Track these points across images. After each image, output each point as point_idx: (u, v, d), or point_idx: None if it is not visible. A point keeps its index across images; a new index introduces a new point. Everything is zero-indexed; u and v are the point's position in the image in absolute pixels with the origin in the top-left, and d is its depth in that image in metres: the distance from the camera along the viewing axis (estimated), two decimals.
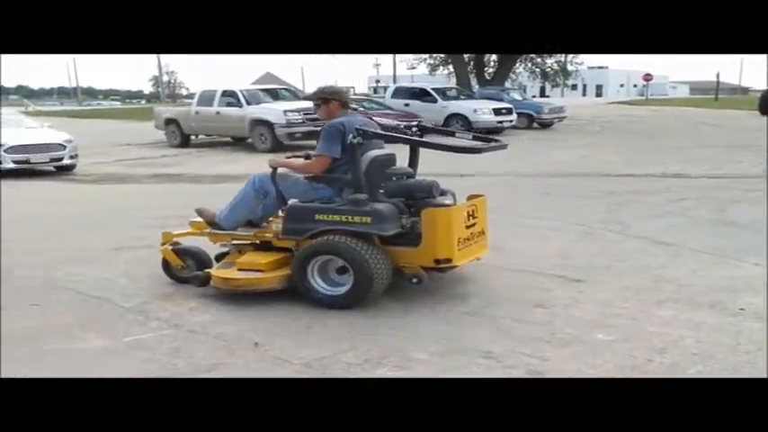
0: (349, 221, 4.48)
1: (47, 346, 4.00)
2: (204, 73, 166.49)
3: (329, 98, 4.95)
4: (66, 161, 13.51)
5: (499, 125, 20.51)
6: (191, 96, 33.59)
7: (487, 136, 5.65)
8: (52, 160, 13.35)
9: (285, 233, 4.75)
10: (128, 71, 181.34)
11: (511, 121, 20.97)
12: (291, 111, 16.53)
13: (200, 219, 5.25)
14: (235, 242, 5.11)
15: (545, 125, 23.02)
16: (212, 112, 17.93)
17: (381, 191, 4.72)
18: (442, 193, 4.79)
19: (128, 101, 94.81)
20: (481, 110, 20.41)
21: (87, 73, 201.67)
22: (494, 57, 30.33)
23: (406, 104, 21.28)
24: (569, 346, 3.85)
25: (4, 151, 12.75)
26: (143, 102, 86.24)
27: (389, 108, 20.59)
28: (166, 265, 5.26)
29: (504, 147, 4.98)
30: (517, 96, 24.35)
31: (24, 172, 12.95)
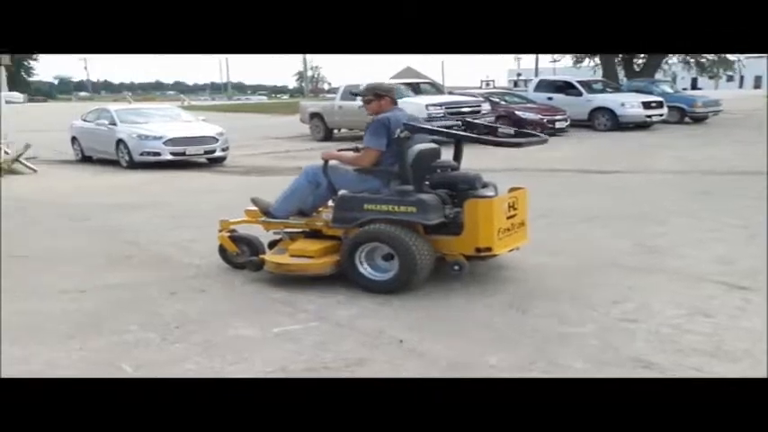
0: (395, 211, 4.74)
1: (207, 334, 4.15)
2: (346, 68, 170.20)
3: (383, 95, 5.15)
4: (217, 153, 14.17)
5: (648, 119, 19.54)
6: (332, 91, 34.41)
7: (530, 131, 5.83)
8: (206, 152, 14.05)
9: (335, 222, 5.02)
10: (274, 67, 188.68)
11: (661, 116, 19.90)
12: (433, 105, 16.50)
13: (254, 208, 5.56)
14: (287, 230, 5.38)
15: (698, 119, 21.65)
16: (355, 107, 18.13)
17: (426, 182, 4.94)
18: (485, 185, 4.99)
19: (273, 95, 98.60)
20: (629, 103, 19.47)
21: (237, 69, 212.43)
22: None
23: (550, 98, 20.69)
24: (739, 361, 3.54)
25: (164, 143, 13.55)
26: (286, 96, 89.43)
27: (532, 102, 20.14)
28: (223, 250, 5.61)
29: (545, 141, 5.22)
30: (668, 89, 23.02)
31: (180, 163, 13.71)
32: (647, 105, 19.60)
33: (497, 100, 19.56)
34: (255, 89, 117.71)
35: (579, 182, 10.08)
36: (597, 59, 29.31)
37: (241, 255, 5.48)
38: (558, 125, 18.44)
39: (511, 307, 4.43)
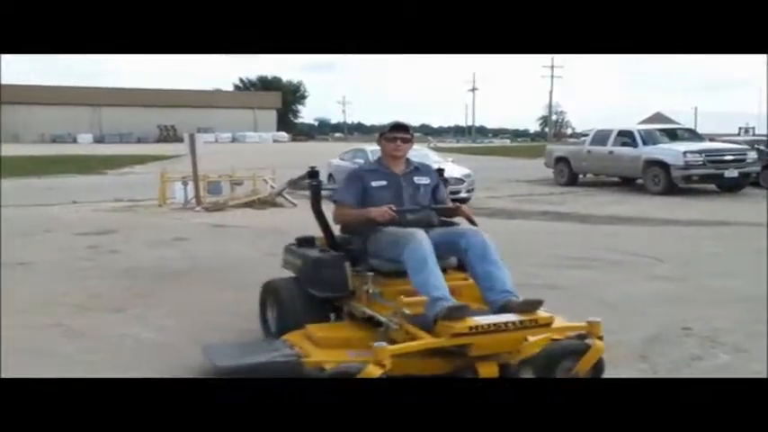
0: None
1: None
2: (591, 112, 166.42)
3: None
4: (462, 195, 14.27)
5: None
6: (575, 135, 33.85)
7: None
8: (451, 193, 14.29)
9: None
10: (516, 111, 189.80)
11: None
12: (692, 152, 15.63)
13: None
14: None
15: None
16: (605, 152, 17.71)
17: None
18: None
19: (515, 139, 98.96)
20: None
21: (480, 112, 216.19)
22: None
23: None
24: None
25: None
26: (528, 140, 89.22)
27: None
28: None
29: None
30: None
31: None
32: None
33: (764, 149, 17.88)
34: (497, 132, 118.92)
35: None
36: None
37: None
38: None
39: None
